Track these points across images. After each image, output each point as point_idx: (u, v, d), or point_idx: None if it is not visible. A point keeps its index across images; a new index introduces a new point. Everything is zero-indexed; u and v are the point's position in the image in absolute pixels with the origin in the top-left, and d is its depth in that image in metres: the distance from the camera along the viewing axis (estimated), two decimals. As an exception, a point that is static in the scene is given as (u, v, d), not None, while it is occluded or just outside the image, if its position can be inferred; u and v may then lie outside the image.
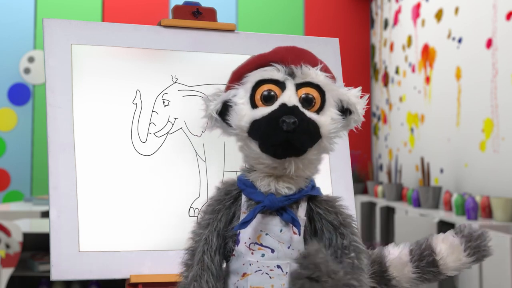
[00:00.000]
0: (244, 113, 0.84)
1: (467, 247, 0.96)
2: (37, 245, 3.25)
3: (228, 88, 0.89)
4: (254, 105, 0.85)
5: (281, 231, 0.84)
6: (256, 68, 0.87)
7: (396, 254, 1.00)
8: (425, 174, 3.93)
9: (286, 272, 0.83)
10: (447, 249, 0.96)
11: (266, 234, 0.84)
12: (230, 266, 0.87)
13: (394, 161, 5.08)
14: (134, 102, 1.23)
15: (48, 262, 2.55)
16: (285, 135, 0.80)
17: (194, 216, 1.21)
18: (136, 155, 1.20)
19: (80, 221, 1.13)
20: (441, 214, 3.44)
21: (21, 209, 3.77)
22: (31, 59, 5.41)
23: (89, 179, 1.16)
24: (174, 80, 1.27)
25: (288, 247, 0.84)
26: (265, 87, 0.85)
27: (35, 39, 5.45)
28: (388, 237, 4.50)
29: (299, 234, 0.84)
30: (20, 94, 5.41)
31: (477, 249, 0.96)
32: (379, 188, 4.91)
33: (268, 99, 0.84)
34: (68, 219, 1.12)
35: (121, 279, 1.13)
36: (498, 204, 2.99)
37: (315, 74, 0.86)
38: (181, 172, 1.22)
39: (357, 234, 0.86)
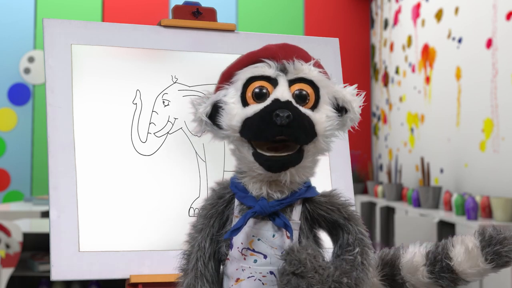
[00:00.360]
0: (235, 112, 0.80)
1: (485, 252, 0.87)
2: (37, 245, 3.25)
3: (217, 89, 0.85)
4: (245, 104, 0.81)
5: (273, 236, 0.81)
6: (246, 66, 0.84)
7: (410, 256, 0.93)
8: (425, 174, 3.93)
9: None
10: (463, 253, 0.88)
11: (258, 240, 0.82)
12: (225, 270, 0.85)
13: (394, 161, 5.08)
14: (134, 102, 1.23)
15: (48, 262, 2.55)
16: (279, 130, 0.76)
17: (194, 216, 1.20)
18: (136, 155, 1.20)
19: (80, 221, 1.13)
20: (441, 214, 3.44)
21: (21, 209, 3.77)
22: (31, 59, 5.41)
23: (89, 179, 1.16)
24: (174, 80, 1.27)
25: (282, 253, 0.80)
26: (256, 84, 0.81)
27: (35, 39, 5.45)
28: (388, 237, 4.50)
29: (292, 239, 0.81)
30: (20, 94, 5.41)
31: (496, 255, 0.87)
32: (379, 188, 4.91)
33: (260, 96, 0.80)
34: (68, 219, 1.12)
35: (121, 279, 1.13)
36: (498, 204, 2.99)
37: (308, 70, 0.82)
38: (181, 172, 1.22)
39: (361, 224, 0.82)
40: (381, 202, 4.63)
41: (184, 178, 1.22)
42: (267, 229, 0.82)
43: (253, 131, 0.78)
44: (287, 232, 0.81)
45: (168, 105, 1.25)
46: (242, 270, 0.82)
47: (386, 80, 5.54)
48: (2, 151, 5.36)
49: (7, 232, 2.82)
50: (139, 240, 1.16)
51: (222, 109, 0.83)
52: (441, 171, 4.13)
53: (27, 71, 5.41)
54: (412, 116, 4.79)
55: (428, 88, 4.45)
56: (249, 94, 0.81)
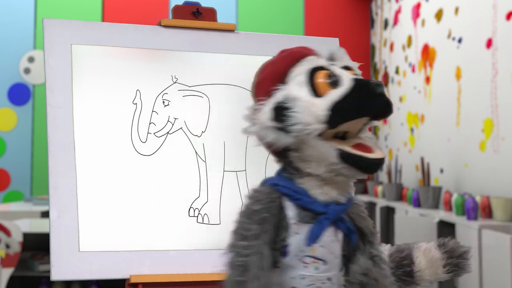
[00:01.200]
0: (315, 102, 0.75)
1: (447, 263, 0.94)
2: (37, 245, 3.24)
3: (266, 93, 0.79)
4: (317, 95, 0.76)
5: (332, 241, 0.80)
6: (292, 65, 0.80)
7: None
8: (425, 174, 3.93)
9: (334, 284, 0.80)
10: (427, 262, 0.94)
11: (321, 246, 0.79)
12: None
13: (394, 161, 5.08)
14: (134, 102, 1.23)
15: (48, 262, 2.55)
16: (385, 98, 0.74)
17: (194, 216, 1.21)
18: (136, 155, 1.20)
19: (80, 221, 1.13)
20: (441, 214, 3.44)
21: (21, 209, 3.77)
22: (31, 59, 5.41)
23: (89, 179, 1.16)
24: (174, 80, 1.27)
25: (336, 258, 0.81)
26: (322, 73, 0.78)
27: (35, 39, 5.45)
28: (388, 237, 4.50)
29: (353, 243, 0.81)
30: (20, 94, 5.41)
31: (456, 267, 0.94)
32: (379, 188, 4.91)
33: (335, 83, 0.77)
34: (68, 219, 1.12)
35: (121, 279, 1.13)
36: (498, 204, 2.99)
37: (347, 58, 0.82)
38: (181, 172, 1.22)
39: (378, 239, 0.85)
40: (381, 202, 4.62)
41: (184, 178, 1.22)
42: (328, 234, 0.80)
43: (354, 108, 0.75)
44: (339, 236, 0.80)
45: (168, 105, 1.25)
46: (302, 278, 0.79)
47: (386, 80, 5.54)
48: (2, 151, 5.36)
49: (7, 232, 2.82)
50: (139, 240, 1.16)
51: (286, 109, 0.76)
52: (441, 171, 4.13)
53: (27, 71, 5.41)
54: (412, 116, 4.79)
55: (428, 88, 4.45)
56: (320, 83, 0.77)
